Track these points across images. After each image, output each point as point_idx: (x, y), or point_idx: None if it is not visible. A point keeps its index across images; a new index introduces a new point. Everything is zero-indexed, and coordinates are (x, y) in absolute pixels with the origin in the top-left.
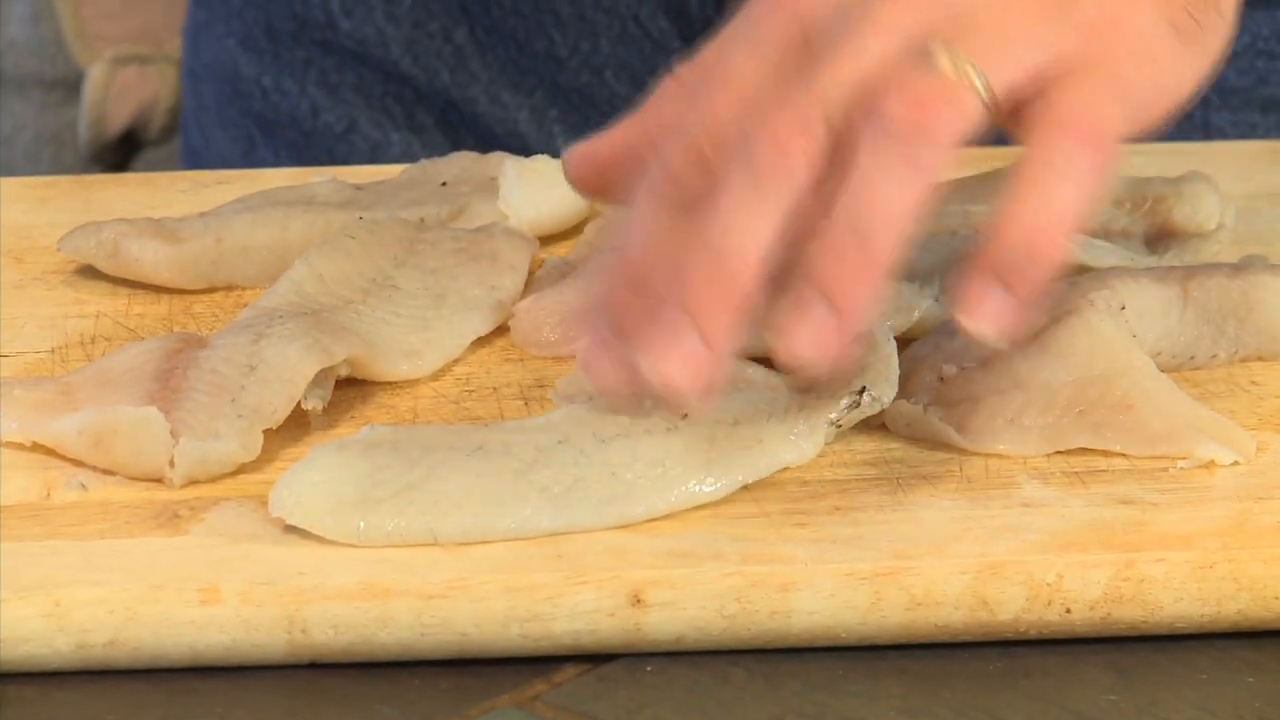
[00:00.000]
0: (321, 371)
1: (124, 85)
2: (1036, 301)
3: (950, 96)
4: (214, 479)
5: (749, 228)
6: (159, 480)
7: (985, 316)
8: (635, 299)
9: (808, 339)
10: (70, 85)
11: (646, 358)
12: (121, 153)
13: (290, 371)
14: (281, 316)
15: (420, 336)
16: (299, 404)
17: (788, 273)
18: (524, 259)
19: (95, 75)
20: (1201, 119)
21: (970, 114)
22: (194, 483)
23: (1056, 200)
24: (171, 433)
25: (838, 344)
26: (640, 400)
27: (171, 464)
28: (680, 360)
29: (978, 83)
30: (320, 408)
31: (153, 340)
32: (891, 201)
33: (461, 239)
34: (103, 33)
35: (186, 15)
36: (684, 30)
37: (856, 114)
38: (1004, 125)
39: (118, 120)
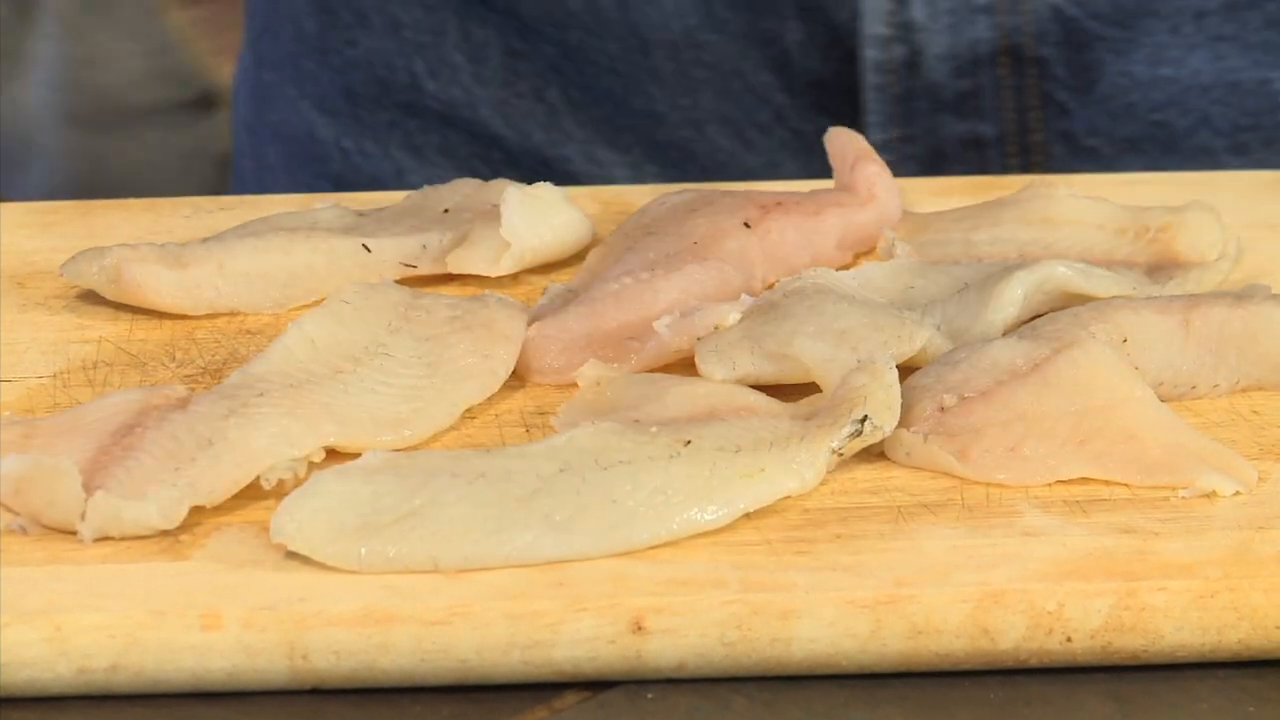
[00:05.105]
0: None
1: None
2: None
3: None
4: (129, 538)
5: None
6: (73, 533)
7: None
8: None
9: None
10: (199, 104)
11: None
12: None
13: (246, 459)
14: (263, 392)
15: (409, 406)
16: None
17: None
18: (518, 329)
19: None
20: None
21: None
22: (107, 539)
23: None
24: (98, 487)
25: None
26: (645, 426)
27: (83, 517)
28: None
29: None
30: (286, 479)
31: (135, 391)
32: None
33: (457, 307)
34: (226, 45)
35: (239, 73)
36: (786, 83)
37: None
38: None
39: None
